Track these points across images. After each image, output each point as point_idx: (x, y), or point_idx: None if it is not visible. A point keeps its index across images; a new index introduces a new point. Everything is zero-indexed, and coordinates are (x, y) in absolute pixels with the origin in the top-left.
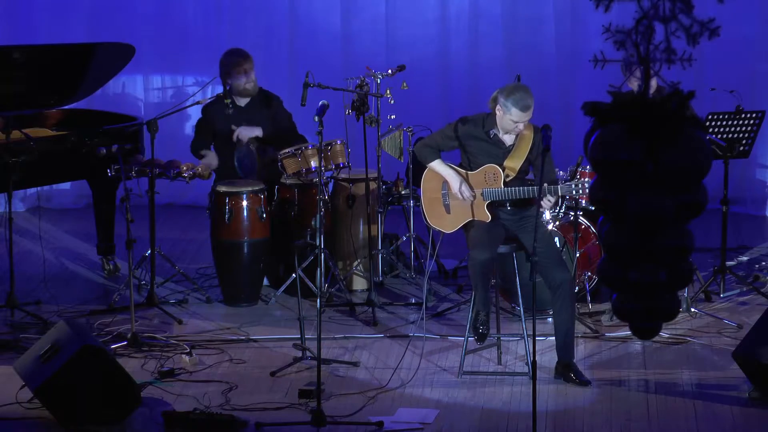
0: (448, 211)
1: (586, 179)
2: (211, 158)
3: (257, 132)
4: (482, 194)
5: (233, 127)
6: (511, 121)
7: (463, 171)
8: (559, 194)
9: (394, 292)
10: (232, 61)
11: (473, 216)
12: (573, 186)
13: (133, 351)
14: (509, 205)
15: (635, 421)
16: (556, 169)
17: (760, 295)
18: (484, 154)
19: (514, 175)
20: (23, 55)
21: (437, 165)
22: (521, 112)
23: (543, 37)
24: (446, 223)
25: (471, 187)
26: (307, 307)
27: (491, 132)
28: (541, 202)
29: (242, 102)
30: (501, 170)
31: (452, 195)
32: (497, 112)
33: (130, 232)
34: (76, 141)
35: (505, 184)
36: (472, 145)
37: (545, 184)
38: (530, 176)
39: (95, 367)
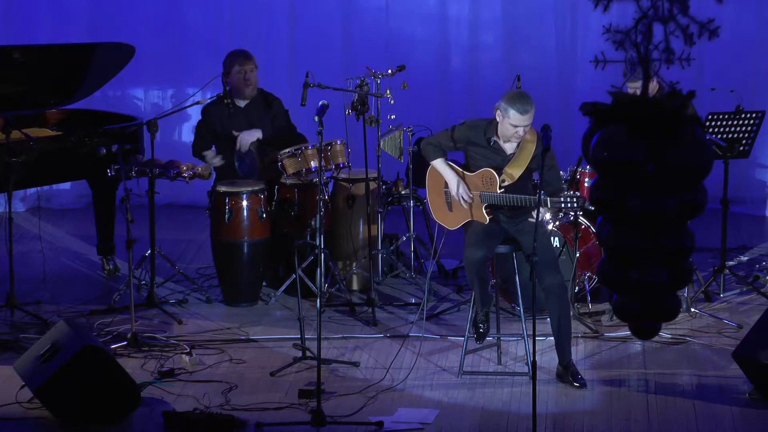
0: (450, 208)
1: (578, 193)
2: (211, 157)
3: (257, 135)
4: (480, 197)
5: (234, 132)
6: (510, 126)
7: (461, 171)
8: (548, 206)
9: (394, 292)
10: (233, 62)
11: (472, 216)
12: (564, 200)
13: (133, 351)
14: (507, 210)
15: (635, 421)
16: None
17: (760, 295)
18: (484, 160)
19: (512, 182)
20: (23, 55)
21: (439, 164)
22: (520, 116)
23: (543, 37)
24: (449, 220)
25: (469, 189)
26: (307, 307)
27: (492, 139)
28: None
29: (242, 103)
30: (497, 175)
31: (452, 196)
32: (498, 118)
33: (130, 232)
34: (76, 141)
35: (503, 189)
36: (473, 150)
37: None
38: (536, 176)
39: (95, 367)
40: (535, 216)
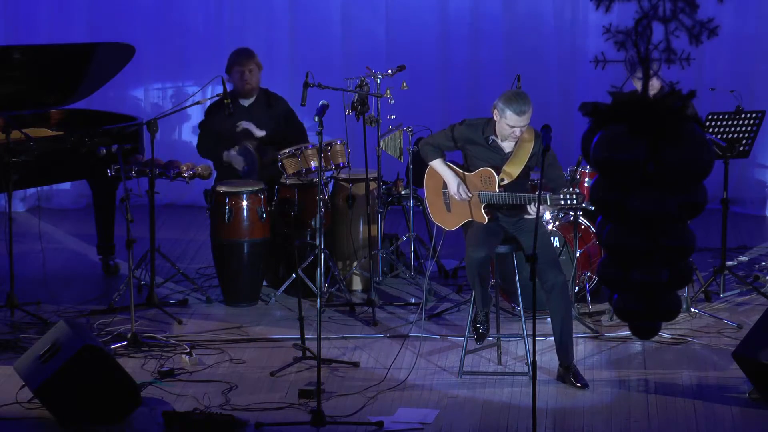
0: (448, 209)
1: (577, 190)
2: (235, 159)
3: (260, 133)
4: (479, 196)
5: (242, 123)
6: (507, 126)
7: (461, 171)
8: (548, 203)
9: (394, 292)
10: (234, 61)
11: (472, 216)
12: (562, 196)
13: (133, 351)
14: (506, 209)
15: (635, 421)
16: None
17: (760, 295)
18: (482, 159)
19: (511, 180)
20: (23, 55)
21: (437, 164)
22: (516, 117)
23: (543, 37)
24: (447, 221)
25: (468, 189)
26: (307, 307)
27: (490, 138)
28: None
29: (246, 102)
30: (496, 174)
31: (451, 195)
32: (495, 117)
33: (130, 232)
34: (76, 141)
35: (502, 188)
36: (471, 149)
37: (533, 194)
38: (536, 176)
39: (95, 367)
40: (534, 213)
